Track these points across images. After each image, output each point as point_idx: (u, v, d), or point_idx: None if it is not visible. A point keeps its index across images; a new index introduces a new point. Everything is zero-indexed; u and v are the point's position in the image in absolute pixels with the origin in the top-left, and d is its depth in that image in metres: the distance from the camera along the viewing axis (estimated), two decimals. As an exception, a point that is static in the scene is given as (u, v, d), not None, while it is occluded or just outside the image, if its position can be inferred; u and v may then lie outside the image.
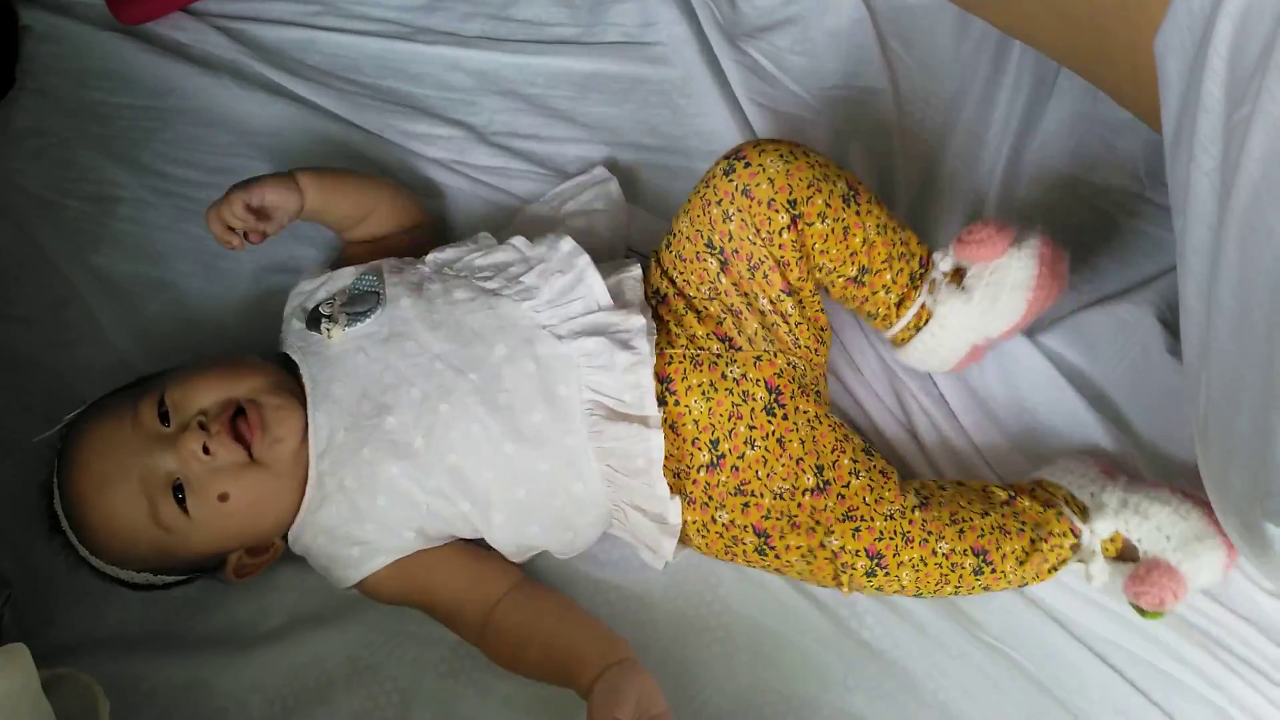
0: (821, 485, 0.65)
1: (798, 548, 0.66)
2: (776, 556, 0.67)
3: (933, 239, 0.75)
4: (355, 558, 0.68)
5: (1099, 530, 0.66)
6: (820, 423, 0.67)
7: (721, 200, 0.67)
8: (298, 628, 0.72)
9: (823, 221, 0.66)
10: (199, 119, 0.90)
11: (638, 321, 0.67)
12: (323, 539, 0.68)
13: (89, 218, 0.86)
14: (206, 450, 0.65)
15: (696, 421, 0.66)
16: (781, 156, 0.66)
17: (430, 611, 0.69)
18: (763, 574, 0.71)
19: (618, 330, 0.67)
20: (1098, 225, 0.82)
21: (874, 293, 0.70)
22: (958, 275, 0.70)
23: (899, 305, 0.70)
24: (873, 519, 0.65)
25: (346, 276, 0.73)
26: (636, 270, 0.72)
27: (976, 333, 0.70)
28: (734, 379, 0.67)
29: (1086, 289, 0.79)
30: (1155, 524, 0.65)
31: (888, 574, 0.65)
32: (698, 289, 0.69)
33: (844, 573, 0.65)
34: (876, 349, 0.78)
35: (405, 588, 0.68)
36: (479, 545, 0.70)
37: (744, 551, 0.68)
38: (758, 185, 0.66)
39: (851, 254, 0.68)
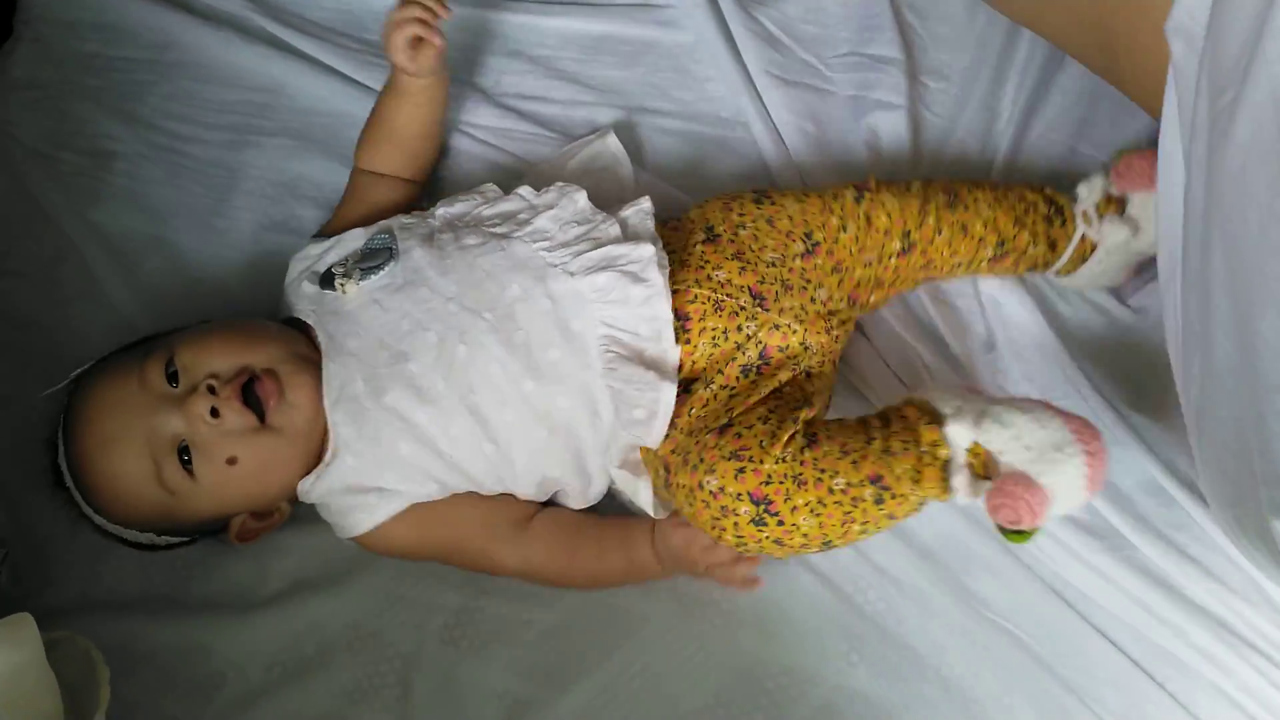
0: (724, 426, 0.63)
1: (683, 486, 0.63)
2: (672, 494, 0.65)
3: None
4: (372, 504, 0.67)
5: (955, 438, 0.61)
6: (769, 394, 0.66)
7: (844, 218, 0.72)
8: (298, 592, 0.71)
9: (940, 234, 0.73)
10: (199, 73, 0.88)
11: (646, 251, 0.66)
12: (338, 489, 0.67)
13: (86, 172, 0.85)
14: (215, 414, 0.64)
15: (695, 363, 0.66)
16: (895, 195, 0.73)
17: (455, 549, 0.68)
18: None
19: (628, 262, 0.66)
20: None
21: (1023, 254, 0.75)
22: (1110, 203, 0.75)
23: (1052, 248, 0.75)
24: (762, 461, 0.61)
25: (357, 238, 0.72)
26: (646, 203, 0.71)
27: (1147, 252, 0.74)
28: (745, 334, 0.67)
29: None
30: (1014, 433, 0.60)
31: (781, 523, 0.61)
32: (761, 250, 0.69)
33: (727, 518, 0.61)
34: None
35: (422, 531, 0.67)
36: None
37: (659, 486, 0.67)
38: (878, 217, 0.72)
39: (980, 240, 0.74)
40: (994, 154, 0.82)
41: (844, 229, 0.71)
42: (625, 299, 0.65)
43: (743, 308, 0.67)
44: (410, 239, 0.70)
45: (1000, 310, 0.78)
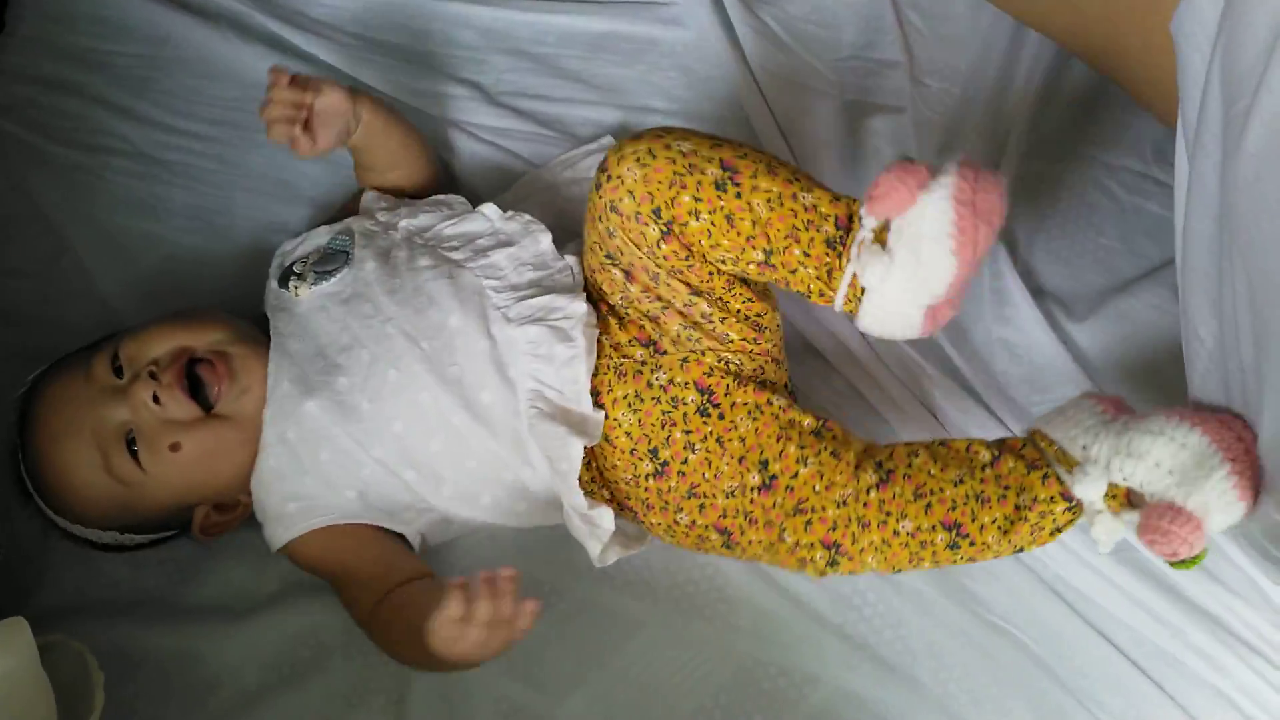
0: (768, 481, 0.63)
1: (759, 541, 0.64)
2: (742, 550, 0.66)
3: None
4: (290, 514, 0.66)
5: (1085, 493, 0.57)
6: (762, 412, 0.64)
7: (601, 217, 0.62)
8: (292, 596, 0.71)
9: (698, 219, 0.59)
10: (197, 70, 0.88)
11: (580, 308, 0.65)
12: (260, 491, 0.67)
13: (82, 169, 0.84)
14: (157, 400, 0.64)
15: (629, 434, 0.64)
16: (639, 160, 0.59)
17: (340, 581, 0.67)
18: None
19: (560, 317, 0.65)
20: (1107, 206, 0.81)
21: (791, 271, 0.60)
22: (883, 233, 0.58)
23: (829, 276, 0.60)
24: (824, 508, 0.61)
25: (322, 235, 0.72)
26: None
27: (917, 297, 0.58)
28: (660, 386, 0.65)
29: (1093, 271, 0.78)
30: (1153, 460, 0.55)
31: (851, 559, 0.63)
32: (612, 296, 0.67)
33: (806, 565, 0.64)
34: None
35: (323, 554, 0.67)
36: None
37: (713, 547, 0.67)
38: (621, 200, 0.60)
39: (748, 239, 0.59)
40: (998, 154, 0.81)
41: (610, 234, 0.62)
42: (550, 356, 0.64)
43: (642, 363, 0.65)
44: (367, 249, 0.69)
45: (1001, 310, 0.77)
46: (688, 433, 0.64)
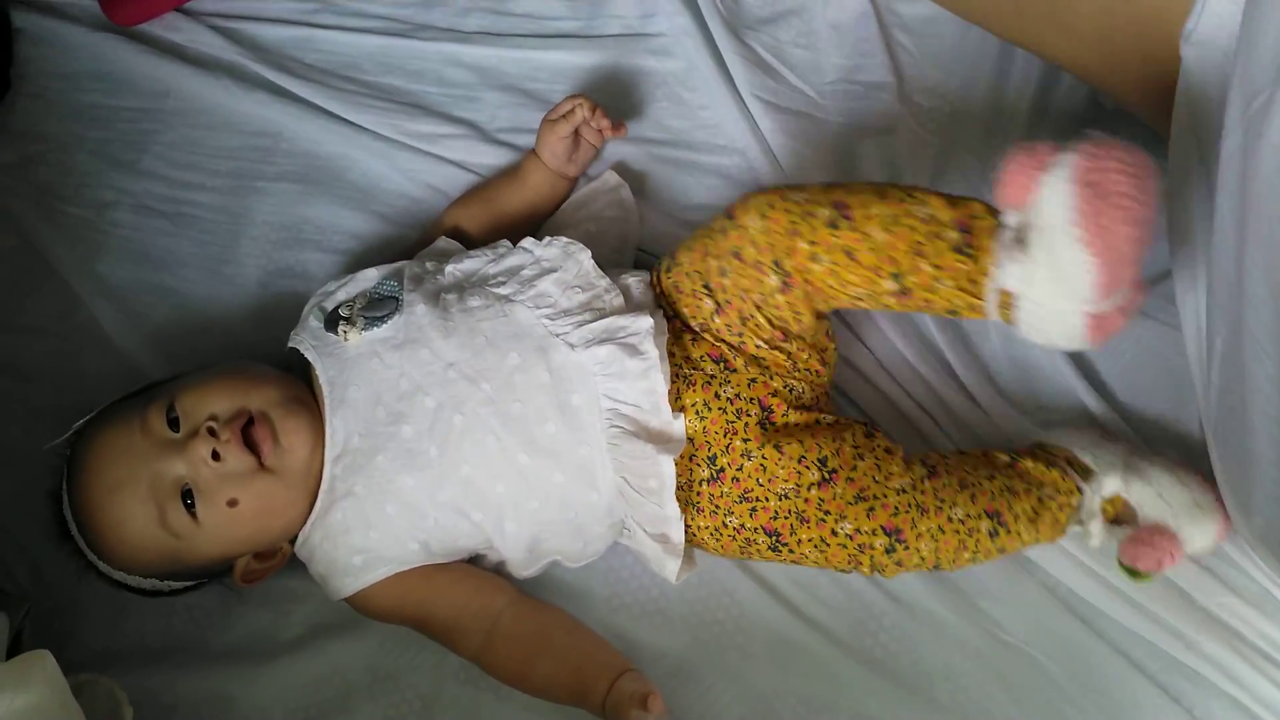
0: (828, 476, 0.65)
1: (809, 539, 0.66)
2: (790, 551, 0.67)
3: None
4: (356, 566, 0.68)
5: (1103, 489, 0.67)
6: (818, 423, 0.68)
7: (720, 257, 0.65)
8: (317, 637, 0.72)
9: (818, 262, 0.60)
10: (198, 121, 0.89)
11: (644, 323, 0.66)
12: (327, 545, 0.68)
13: (90, 225, 0.86)
14: (216, 456, 0.65)
15: (692, 440, 0.66)
16: (761, 214, 0.61)
17: (425, 625, 0.68)
18: (777, 581, 0.72)
19: (627, 334, 0.66)
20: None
21: (930, 291, 0.58)
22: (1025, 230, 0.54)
23: (972, 286, 0.57)
24: (885, 495, 0.65)
25: (369, 279, 0.72)
26: (646, 275, 0.71)
27: (1069, 300, 0.53)
28: (728, 398, 0.67)
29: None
30: (1156, 489, 0.66)
31: (907, 547, 0.65)
32: (693, 320, 0.69)
33: (863, 553, 0.65)
34: (876, 320, 0.77)
35: (401, 601, 0.68)
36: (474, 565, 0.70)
37: (759, 550, 0.68)
38: (744, 249, 0.63)
39: (873, 269, 0.59)
40: (994, 171, 0.81)
41: (723, 273, 0.65)
42: (623, 372, 0.65)
43: (712, 376, 0.67)
44: (416, 293, 0.70)
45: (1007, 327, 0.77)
46: (746, 441, 0.66)
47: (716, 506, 0.67)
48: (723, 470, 0.66)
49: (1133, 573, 0.67)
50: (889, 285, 0.59)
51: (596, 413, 0.65)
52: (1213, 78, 0.54)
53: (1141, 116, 0.69)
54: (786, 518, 0.66)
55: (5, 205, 0.86)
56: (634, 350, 0.65)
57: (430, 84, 0.89)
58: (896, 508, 0.65)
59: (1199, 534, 0.66)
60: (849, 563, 0.66)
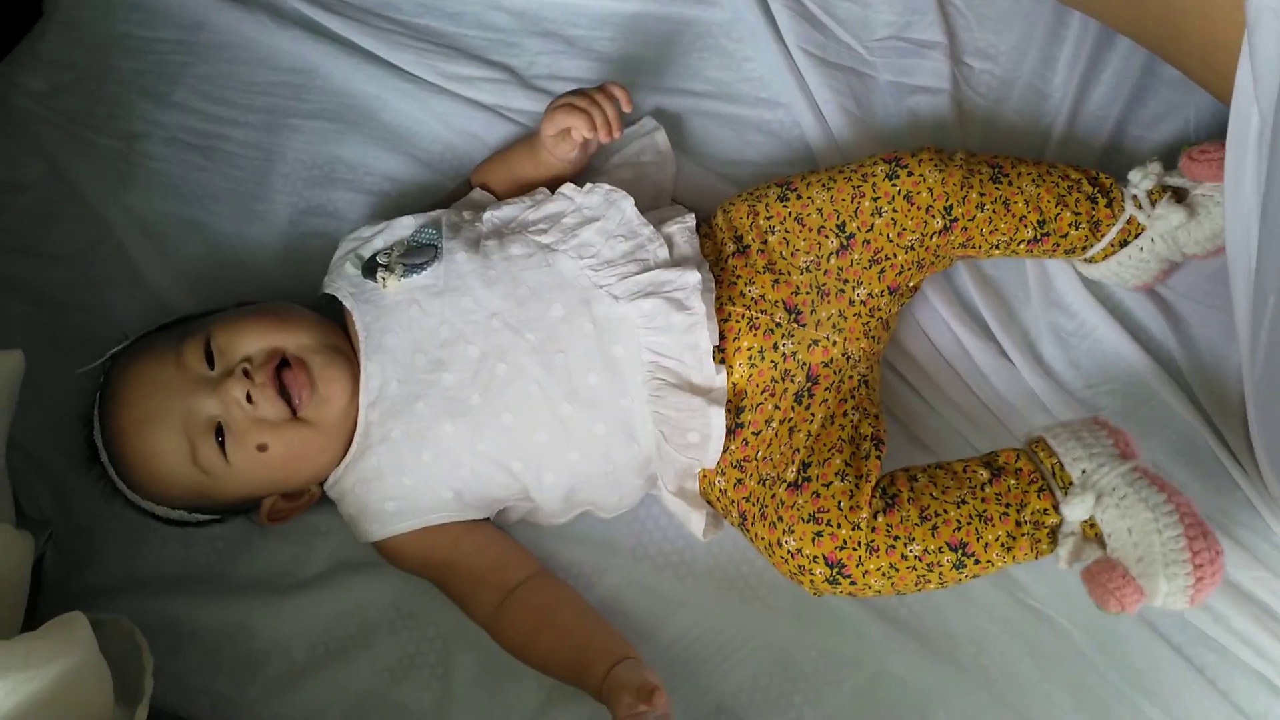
0: (800, 482, 0.63)
1: (761, 539, 0.64)
2: (751, 539, 0.66)
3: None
4: (387, 513, 0.67)
5: (1070, 514, 0.60)
6: (832, 421, 0.66)
7: (879, 198, 0.69)
8: (340, 573, 0.72)
9: (982, 210, 0.69)
10: (232, 55, 0.88)
11: (692, 278, 0.65)
12: (360, 488, 0.68)
13: (120, 155, 0.85)
14: (249, 399, 0.64)
15: (735, 384, 0.66)
16: (937, 166, 0.69)
17: (444, 584, 0.68)
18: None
19: (673, 289, 0.65)
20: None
21: (1063, 235, 0.71)
22: (1163, 193, 0.71)
23: (1094, 229, 0.71)
24: (839, 525, 0.61)
25: (406, 227, 0.71)
26: (690, 220, 0.70)
27: (1189, 249, 0.70)
28: (784, 353, 0.66)
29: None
30: (1128, 526, 0.59)
31: (854, 583, 0.62)
32: (793, 254, 0.68)
33: (803, 574, 0.63)
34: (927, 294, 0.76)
35: (425, 556, 0.68)
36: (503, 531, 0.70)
37: (733, 521, 0.67)
38: (919, 193, 0.68)
39: (1021, 219, 0.70)
40: (1044, 137, 0.80)
41: (878, 213, 0.69)
42: (668, 326, 0.64)
43: (778, 324, 0.66)
44: (456, 240, 0.69)
45: (1048, 293, 0.76)
46: (776, 408, 0.65)
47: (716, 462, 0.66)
48: (741, 426, 0.65)
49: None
50: (1027, 234, 0.71)
51: (638, 365, 0.65)
52: (1277, 38, 0.53)
53: (1199, 80, 0.67)
54: (751, 505, 0.65)
55: (34, 133, 0.86)
56: (680, 305, 0.65)
57: (469, 27, 0.88)
58: (845, 542, 0.61)
59: (1161, 590, 0.57)
60: (790, 576, 0.64)
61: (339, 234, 0.77)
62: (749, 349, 0.66)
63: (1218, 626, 0.67)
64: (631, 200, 0.69)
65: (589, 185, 0.70)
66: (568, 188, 0.71)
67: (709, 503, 0.68)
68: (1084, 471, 0.61)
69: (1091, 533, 0.61)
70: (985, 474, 0.63)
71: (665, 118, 0.82)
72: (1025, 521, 0.61)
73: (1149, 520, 0.58)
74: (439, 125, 0.84)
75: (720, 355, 0.66)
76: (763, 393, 0.66)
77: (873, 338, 0.70)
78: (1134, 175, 0.71)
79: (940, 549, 0.61)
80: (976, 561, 0.61)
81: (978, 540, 0.61)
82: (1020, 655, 0.68)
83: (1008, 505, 0.61)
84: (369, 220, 0.76)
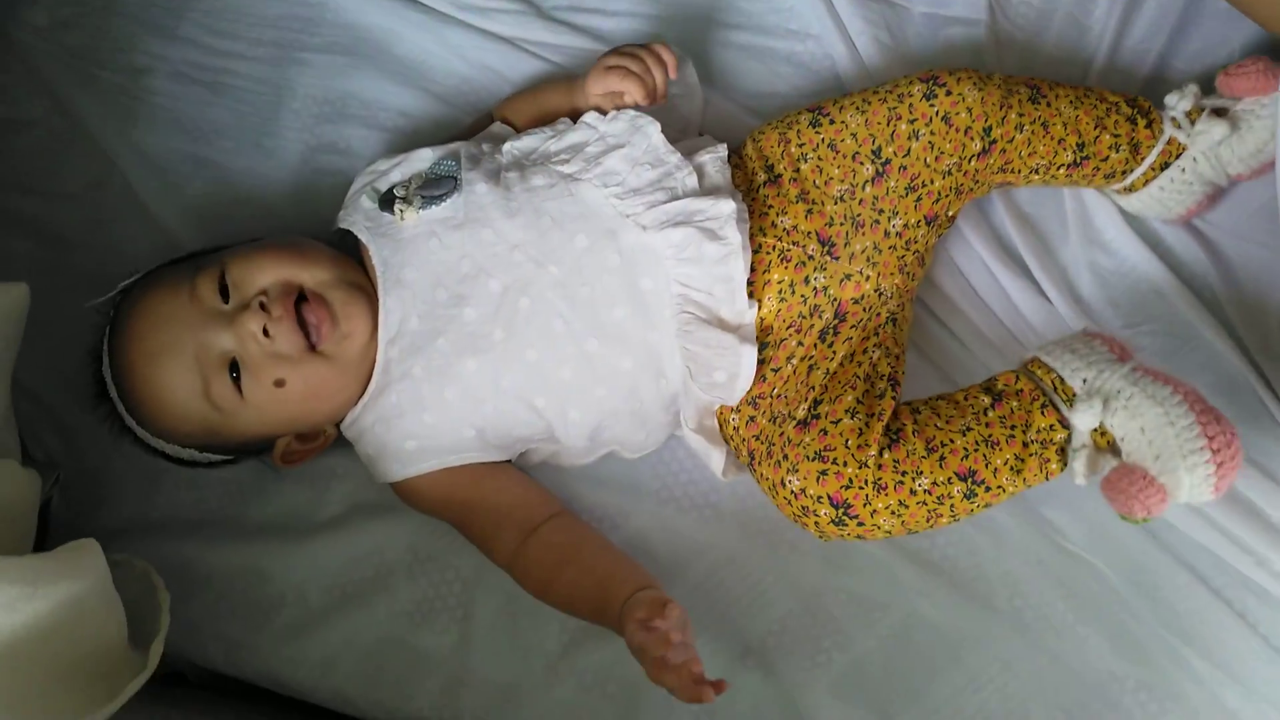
0: (809, 419, 0.62)
1: (765, 479, 0.63)
2: (757, 478, 0.65)
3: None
4: (408, 452, 0.66)
5: (1079, 423, 0.59)
6: (851, 359, 0.64)
7: (916, 120, 0.66)
8: (356, 517, 0.71)
9: (1021, 131, 0.68)
10: (239, -14, 0.85)
11: (726, 207, 0.63)
12: (379, 426, 0.66)
13: (125, 91, 0.83)
14: (266, 333, 0.62)
15: (762, 319, 0.64)
16: (975, 85, 0.67)
17: (464, 525, 0.67)
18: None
19: (705, 218, 0.63)
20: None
21: (1103, 159, 0.69)
22: (1201, 113, 0.69)
23: (1134, 152, 0.69)
24: (845, 464, 0.60)
25: (424, 160, 0.69)
26: (721, 150, 0.68)
27: (1234, 169, 0.68)
28: (815, 288, 0.64)
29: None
30: (1140, 425, 0.57)
31: (861, 524, 0.60)
32: (827, 183, 0.66)
33: (807, 515, 0.61)
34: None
35: (446, 496, 0.66)
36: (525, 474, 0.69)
37: (744, 460, 0.66)
38: (957, 114, 0.66)
39: (1060, 141, 0.68)
40: (1083, 70, 0.77)
41: (915, 136, 0.66)
42: (699, 257, 0.62)
43: (810, 257, 0.64)
44: (475, 172, 0.66)
45: (1086, 230, 0.74)
46: (799, 345, 0.64)
47: None
48: (764, 362, 0.64)
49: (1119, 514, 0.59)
50: (1067, 158, 0.69)
51: (667, 298, 0.63)
52: None
53: (1246, 9, 0.64)
54: (759, 444, 0.63)
55: (37, 68, 0.84)
56: (713, 235, 0.62)
57: (487, -42, 0.85)
58: (851, 480, 0.60)
59: (1183, 483, 0.56)
60: (794, 518, 0.62)
61: (352, 171, 0.75)
62: (779, 283, 0.64)
63: (1261, 570, 0.65)
64: (658, 125, 0.66)
65: (613, 113, 0.68)
66: (591, 116, 0.68)
67: (728, 435, 0.67)
68: (1085, 380, 0.59)
69: (1103, 441, 0.60)
70: (987, 399, 0.62)
71: (692, 48, 0.80)
72: (1032, 441, 0.60)
73: (1160, 415, 0.57)
74: (455, 59, 0.81)
75: (749, 289, 0.64)
76: (788, 328, 0.64)
77: (907, 274, 0.68)
78: (1170, 99, 0.70)
79: (949, 479, 0.60)
80: (987, 489, 0.60)
81: (986, 466, 0.60)
82: (1055, 598, 0.66)
83: (1013, 427, 0.60)
84: (384, 156, 0.74)
